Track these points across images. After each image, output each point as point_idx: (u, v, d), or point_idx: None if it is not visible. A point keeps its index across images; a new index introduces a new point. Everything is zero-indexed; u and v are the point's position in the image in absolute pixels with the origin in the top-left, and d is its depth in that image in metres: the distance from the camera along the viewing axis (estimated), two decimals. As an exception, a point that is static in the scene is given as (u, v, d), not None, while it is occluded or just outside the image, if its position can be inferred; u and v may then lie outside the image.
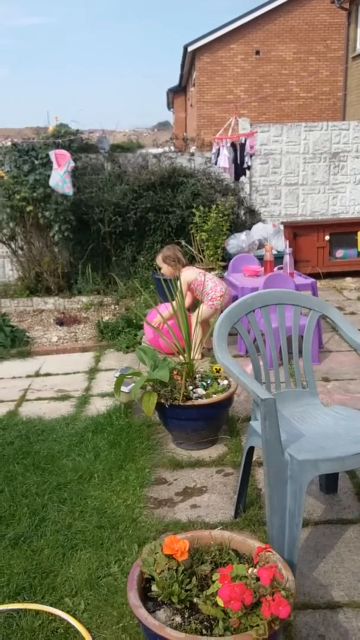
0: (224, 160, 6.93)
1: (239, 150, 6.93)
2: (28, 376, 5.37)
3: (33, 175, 7.39)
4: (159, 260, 5.06)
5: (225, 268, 6.97)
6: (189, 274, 4.95)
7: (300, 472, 2.28)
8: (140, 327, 6.19)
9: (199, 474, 3.33)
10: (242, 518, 2.87)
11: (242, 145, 6.96)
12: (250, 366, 2.86)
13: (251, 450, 2.77)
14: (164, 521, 2.88)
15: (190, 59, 19.74)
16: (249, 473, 2.91)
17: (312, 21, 18.57)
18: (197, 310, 4.81)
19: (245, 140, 6.95)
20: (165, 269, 5.05)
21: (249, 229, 7.90)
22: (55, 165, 7.12)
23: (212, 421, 3.57)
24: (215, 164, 7.39)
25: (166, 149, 9.34)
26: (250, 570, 1.97)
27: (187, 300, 4.79)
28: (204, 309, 4.91)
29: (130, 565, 2.55)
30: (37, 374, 5.41)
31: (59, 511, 3.02)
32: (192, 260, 7.69)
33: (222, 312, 3.26)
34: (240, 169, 7.10)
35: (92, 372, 5.39)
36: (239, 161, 6.98)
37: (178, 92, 26.12)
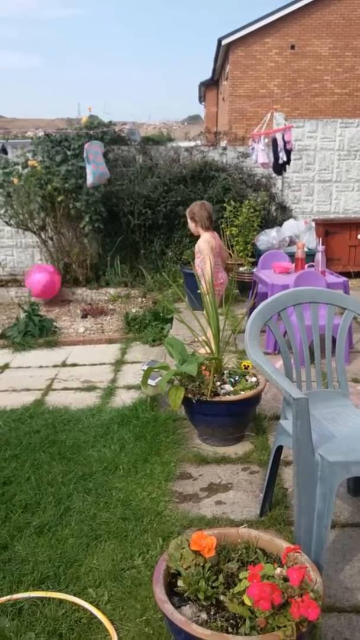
0: (262, 156, 6.84)
1: (278, 145, 6.84)
2: (55, 366, 5.40)
3: (65, 166, 7.42)
4: (187, 211, 4.99)
5: (254, 264, 6.91)
6: (210, 240, 4.79)
7: (331, 473, 2.24)
8: (168, 321, 6.18)
9: (225, 471, 3.30)
10: (267, 517, 2.83)
11: (274, 142, 6.88)
12: (280, 362, 2.82)
13: (279, 449, 2.73)
14: (189, 516, 2.86)
15: (224, 53, 19.59)
16: (276, 472, 2.87)
17: (350, 16, 18.25)
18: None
19: (282, 136, 6.86)
20: (189, 225, 4.96)
21: (280, 225, 7.81)
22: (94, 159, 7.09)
23: (239, 418, 3.53)
24: (256, 161, 7.30)
25: (198, 142, 9.29)
26: (278, 570, 1.94)
27: (207, 263, 4.70)
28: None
29: (155, 558, 2.55)
30: (64, 364, 5.44)
31: (83, 501, 3.02)
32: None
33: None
34: (278, 164, 7.01)
35: (118, 364, 5.40)
36: (277, 156, 6.90)
37: (210, 86, 25.95)
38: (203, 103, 28.48)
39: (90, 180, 7.09)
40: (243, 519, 2.84)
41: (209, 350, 3.74)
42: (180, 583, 2.06)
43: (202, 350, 3.84)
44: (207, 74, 25.02)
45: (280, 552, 2.06)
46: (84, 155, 7.02)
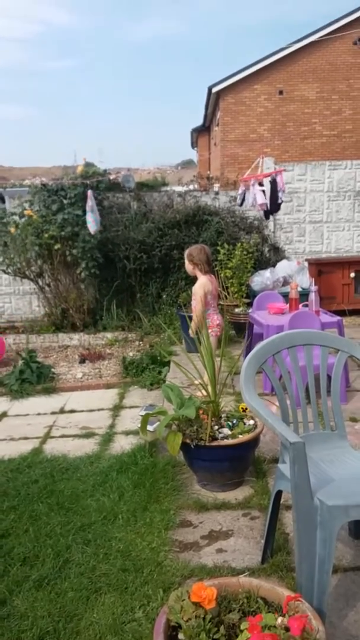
0: (261, 197, 6.99)
1: (269, 189, 7.01)
2: (53, 413, 5.39)
3: (61, 215, 7.56)
4: (186, 253, 5.04)
5: (249, 305, 6.97)
6: (206, 284, 4.87)
7: (331, 518, 2.23)
8: (165, 364, 6.19)
9: (225, 517, 3.27)
10: (269, 564, 2.79)
11: (273, 183, 7.05)
12: (277, 404, 2.83)
13: (279, 493, 2.72)
14: (190, 566, 2.82)
15: (214, 100, 20.19)
16: (277, 517, 2.85)
17: (335, 61, 18.90)
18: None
19: (275, 179, 7.05)
20: (187, 266, 5.00)
21: (274, 266, 7.92)
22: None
23: (238, 462, 3.52)
24: (241, 205, 7.48)
25: (190, 187, 9.51)
26: (279, 620, 1.91)
27: (199, 307, 4.80)
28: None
29: (156, 610, 2.50)
30: (62, 411, 5.43)
31: (83, 553, 2.98)
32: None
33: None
34: (274, 206, 7.18)
35: (116, 409, 5.39)
36: (270, 199, 7.07)
37: (202, 132, 26.62)
38: (195, 148, 29.16)
39: (95, 228, 7.24)
40: (245, 567, 2.80)
41: (205, 394, 3.75)
42: (181, 636, 2.02)
43: (199, 394, 3.85)
44: (198, 121, 25.72)
45: (282, 600, 2.03)
46: (89, 204, 7.18)
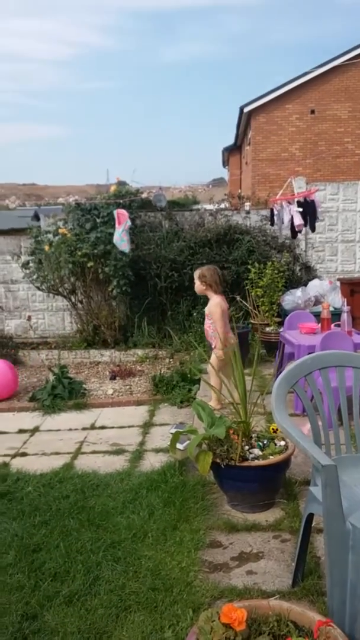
0: (298, 218, 7.05)
1: (316, 206, 7.13)
2: (84, 428, 5.45)
3: (95, 233, 7.69)
4: (196, 273, 5.12)
5: (280, 324, 6.95)
6: (222, 303, 4.96)
7: (363, 542, 2.21)
8: (196, 382, 6.21)
9: (255, 539, 3.25)
10: (300, 587, 2.76)
11: (312, 204, 7.13)
12: (308, 425, 2.82)
13: (310, 516, 2.70)
14: (219, 587, 2.81)
15: (246, 119, 20.34)
16: (308, 540, 2.82)
17: (367, 81, 18.89)
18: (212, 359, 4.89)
19: (311, 200, 7.13)
20: (197, 286, 5.09)
21: (305, 285, 7.89)
22: (116, 224, 7.42)
23: (268, 483, 3.50)
24: (272, 224, 7.54)
25: (221, 205, 9.57)
26: (310, 646, 1.90)
27: (220, 325, 4.86)
28: (215, 358, 4.93)
29: (185, 631, 2.50)
30: (93, 427, 5.48)
31: (112, 570, 3.00)
32: (247, 316, 7.73)
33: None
34: (312, 226, 7.30)
35: (147, 426, 5.41)
36: (310, 219, 7.19)
37: (233, 151, 26.81)
38: (227, 167, 29.35)
39: (129, 247, 7.39)
40: (275, 590, 2.78)
41: (236, 413, 3.75)
42: (211, 658, 2.02)
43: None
44: (229, 140, 25.90)
45: (313, 625, 2.02)
46: (127, 224, 7.32)
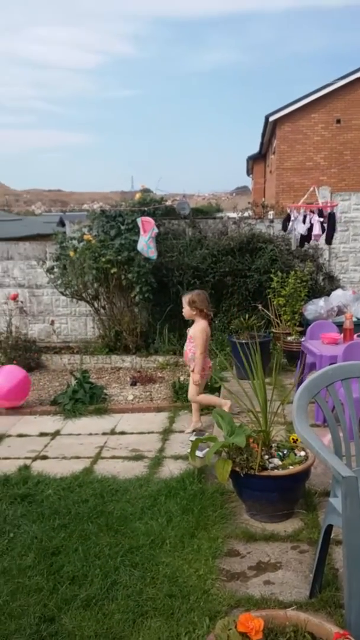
0: (318, 228, 7.03)
1: (327, 219, 7.07)
2: (104, 433, 5.48)
3: (119, 240, 7.76)
4: (185, 299, 5.22)
5: (302, 334, 6.93)
6: (207, 329, 5.10)
7: (382, 556, 2.19)
8: (216, 390, 6.21)
9: (273, 549, 3.23)
10: (317, 599, 2.75)
11: (330, 215, 7.10)
12: (329, 436, 2.81)
13: (329, 528, 2.68)
14: (236, 596, 2.81)
15: (271, 128, 20.34)
16: (327, 552, 2.81)
17: (394, 91, 18.75)
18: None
19: (329, 210, 7.08)
20: (187, 311, 5.19)
21: (328, 295, 7.85)
22: (141, 231, 7.48)
23: (288, 494, 3.49)
24: (285, 230, 7.53)
25: (245, 214, 9.58)
26: (327, 659, 1.89)
27: (200, 350, 5.02)
28: (199, 382, 5.15)
29: (201, 638, 2.50)
30: (113, 432, 5.52)
31: (130, 575, 3.01)
32: (268, 325, 7.71)
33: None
34: (329, 239, 7.27)
35: (166, 433, 5.43)
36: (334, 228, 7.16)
37: (258, 159, 26.80)
38: (251, 175, 29.35)
39: (156, 254, 7.46)
40: (292, 600, 2.77)
41: (256, 421, 3.75)
42: (227, 667, 2.02)
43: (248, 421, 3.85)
44: (254, 148, 25.91)
45: (330, 637, 2.00)
46: (154, 231, 7.39)
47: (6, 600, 2.85)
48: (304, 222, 7.17)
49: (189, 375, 7.21)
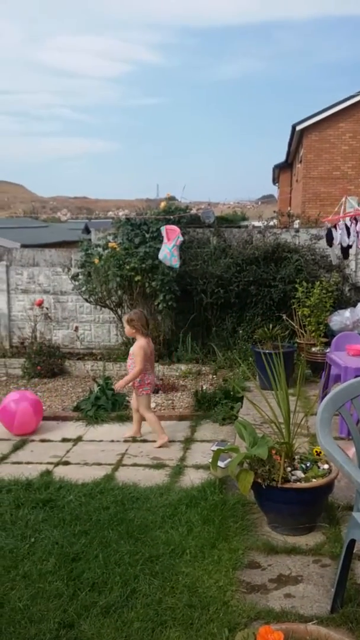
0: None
1: (353, 229, 6.93)
2: (125, 441, 5.49)
3: (143, 248, 7.80)
4: (125, 318, 5.52)
5: (327, 345, 6.87)
6: (146, 347, 5.31)
7: None
8: (238, 400, 6.18)
9: (295, 562, 3.20)
10: (339, 614, 2.71)
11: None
12: (353, 449, 2.78)
13: (352, 543, 2.65)
14: (256, 608, 2.78)
15: (298, 137, 20.29)
16: (349, 567, 2.77)
17: None
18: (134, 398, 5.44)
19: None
20: (127, 330, 5.45)
21: (354, 306, 7.77)
22: (165, 240, 7.51)
23: (310, 507, 3.45)
24: (329, 244, 7.33)
25: (270, 223, 9.54)
26: None
27: (138, 367, 5.23)
28: (140, 399, 5.37)
29: (220, 651, 2.48)
30: (134, 440, 5.52)
31: (150, 584, 3.01)
32: (292, 335, 7.66)
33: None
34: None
35: (188, 442, 5.42)
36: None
37: (284, 168, 26.74)
38: (277, 184, 29.29)
39: (179, 262, 7.49)
40: (313, 615, 2.73)
41: (279, 433, 3.72)
42: None
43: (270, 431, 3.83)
44: (281, 157, 25.85)
45: (352, 656, 1.98)
46: (179, 239, 7.42)
47: (26, 605, 2.87)
48: (347, 232, 7.00)
49: (210, 384, 7.22)
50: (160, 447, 5.25)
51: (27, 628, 2.71)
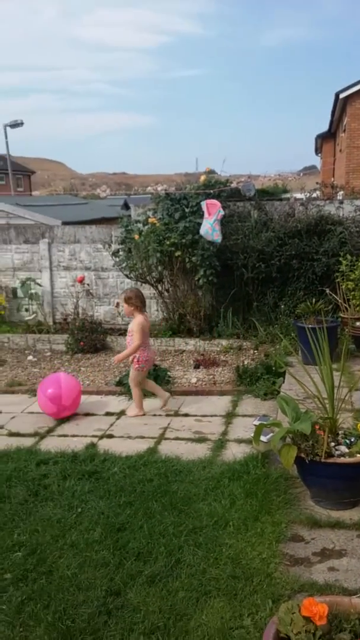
0: None
1: None
2: (167, 415, 5.55)
3: (183, 223, 7.76)
4: (121, 298, 5.68)
5: (371, 319, 6.73)
6: (144, 323, 5.47)
7: None
8: (280, 375, 6.15)
9: (338, 536, 3.20)
10: (383, 589, 2.70)
11: None
12: None
13: None
14: (300, 581, 2.80)
15: (341, 105, 19.66)
16: (394, 542, 2.74)
17: None
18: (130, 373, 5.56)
19: None
20: (125, 308, 5.59)
21: None
22: (205, 214, 7.45)
23: (354, 482, 3.42)
24: None
25: (313, 195, 9.32)
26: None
27: (137, 343, 5.38)
28: (134, 373, 5.53)
29: (264, 620, 2.52)
30: (176, 414, 5.58)
31: (194, 555, 3.06)
32: (336, 310, 7.53)
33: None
34: None
35: (229, 416, 5.44)
36: None
37: (327, 138, 26.00)
38: (319, 155, 28.57)
39: (220, 237, 7.43)
40: (357, 588, 2.73)
41: (322, 408, 3.69)
42: (290, 650, 2.03)
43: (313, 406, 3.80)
44: (323, 127, 25.17)
45: None
46: (220, 213, 7.36)
47: (74, 573, 2.97)
48: None
49: (252, 360, 7.20)
50: (134, 416, 5.52)
51: (75, 595, 2.80)
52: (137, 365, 5.50)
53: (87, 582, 2.89)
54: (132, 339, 5.45)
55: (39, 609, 2.71)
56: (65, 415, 5.51)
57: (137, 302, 5.49)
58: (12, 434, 5.16)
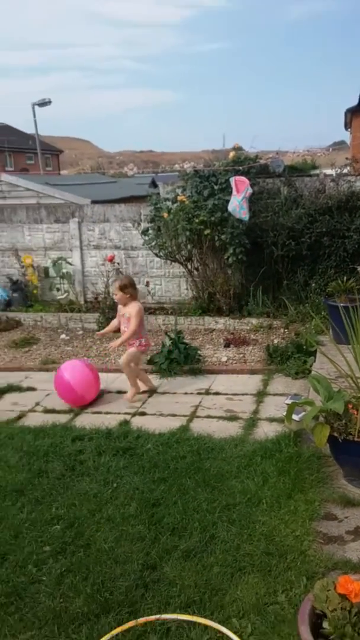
0: None
1: None
2: (199, 393, 5.60)
3: (212, 200, 7.71)
4: (116, 285, 5.64)
5: None
6: (142, 309, 5.56)
7: None
8: (311, 354, 6.12)
9: (372, 515, 3.21)
10: None
11: None
12: None
13: None
14: (334, 558, 2.83)
15: (373, 78, 19.18)
16: None
17: None
18: (127, 353, 5.52)
19: None
20: (120, 296, 5.57)
21: None
22: (234, 191, 7.38)
23: (388, 461, 3.42)
24: None
25: (344, 170, 9.14)
26: None
27: (134, 328, 5.42)
28: (134, 352, 5.50)
29: (298, 597, 2.56)
30: (207, 392, 5.62)
31: (228, 531, 3.11)
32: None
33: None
34: None
35: (260, 395, 5.45)
36: None
37: (357, 112, 25.34)
38: (349, 129, 27.89)
39: (248, 215, 7.38)
40: (391, 568, 2.75)
41: (355, 387, 3.68)
42: (325, 625, 2.06)
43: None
44: (353, 100, 24.52)
45: None
46: (248, 191, 7.29)
47: (111, 546, 3.05)
48: None
49: (282, 338, 7.18)
50: (128, 399, 5.47)
51: (112, 568, 2.88)
52: (142, 348, 5.61)
53: (123, 556, 2.97)
54: (129, 325, 5.50)
55: (78, 581, 2.80)
56: (87, 400, 5.43)
57: (132, 290, 5.58)
58: (47, 411, 5.28)
